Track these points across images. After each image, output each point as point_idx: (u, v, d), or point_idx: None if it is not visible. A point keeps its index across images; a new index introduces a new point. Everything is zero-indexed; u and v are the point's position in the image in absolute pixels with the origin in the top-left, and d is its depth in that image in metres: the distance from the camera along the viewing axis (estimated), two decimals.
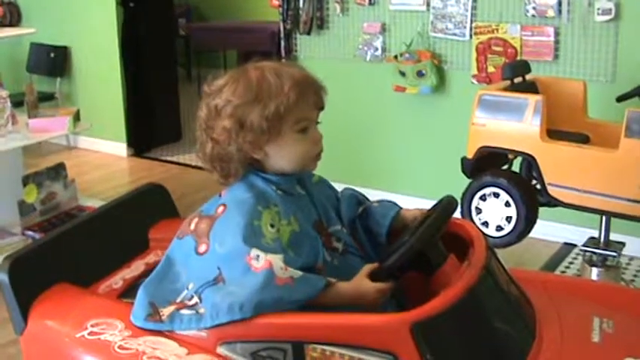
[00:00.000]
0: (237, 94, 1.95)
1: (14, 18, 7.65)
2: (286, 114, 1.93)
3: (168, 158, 7.04)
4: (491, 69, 4.79)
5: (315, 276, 1.89)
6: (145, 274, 2.37)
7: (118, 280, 2.36)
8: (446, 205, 2.02)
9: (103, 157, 7.16)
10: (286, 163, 2.00)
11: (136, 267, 2.43)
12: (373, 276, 1.92)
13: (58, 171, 4.79)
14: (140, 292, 2.02)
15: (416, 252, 1.92)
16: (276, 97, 1.93)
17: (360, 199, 2.28)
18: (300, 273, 1.85)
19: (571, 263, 4.36)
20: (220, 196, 2.05)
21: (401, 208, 2.22)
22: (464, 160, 3.88)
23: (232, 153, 1.97)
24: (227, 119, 1.95)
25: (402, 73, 5.04)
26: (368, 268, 1.95)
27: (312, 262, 1.97)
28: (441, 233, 1.99)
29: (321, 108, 2.04)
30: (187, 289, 1.96)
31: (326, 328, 1.80)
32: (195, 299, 1.91)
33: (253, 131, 1.94)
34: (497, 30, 4.73)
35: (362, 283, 1.91)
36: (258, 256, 1.84)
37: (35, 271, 2.24)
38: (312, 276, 1.88)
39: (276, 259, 1.84)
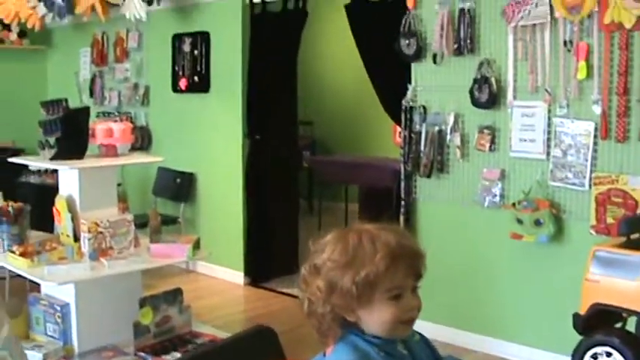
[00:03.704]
0: (334, 257, 1.97)
1: (145, 142, 8.02)
2: (376, 282, 1.93)
3: (284, 290, 7.06)
4: (610, 220, 4.71)
5: None
6: None
7: None
8: None
9: (219, 284, 7.29)
10: (376, 328, 1.98)
11: None
12: None
13: (175, 296, 4.91)
14: None
15: None
16: (369, 264, 1.93)
17: None
18: None
19: None
20: (324, 355, 2.03)
21: None
22: (575, 316, 3.81)
23: (325, 313, 1.97)
24: (321, 280, 1.98)
25: (520, 221, 5.02)
26: None
27: None
28: None
29: (419, 275, 2.01)
30: None
31: None
32: None
33: (344, 295, 1.94)
34: (617, 181, 4.68)
35: None
36: None
37: None
38: None
39: None
